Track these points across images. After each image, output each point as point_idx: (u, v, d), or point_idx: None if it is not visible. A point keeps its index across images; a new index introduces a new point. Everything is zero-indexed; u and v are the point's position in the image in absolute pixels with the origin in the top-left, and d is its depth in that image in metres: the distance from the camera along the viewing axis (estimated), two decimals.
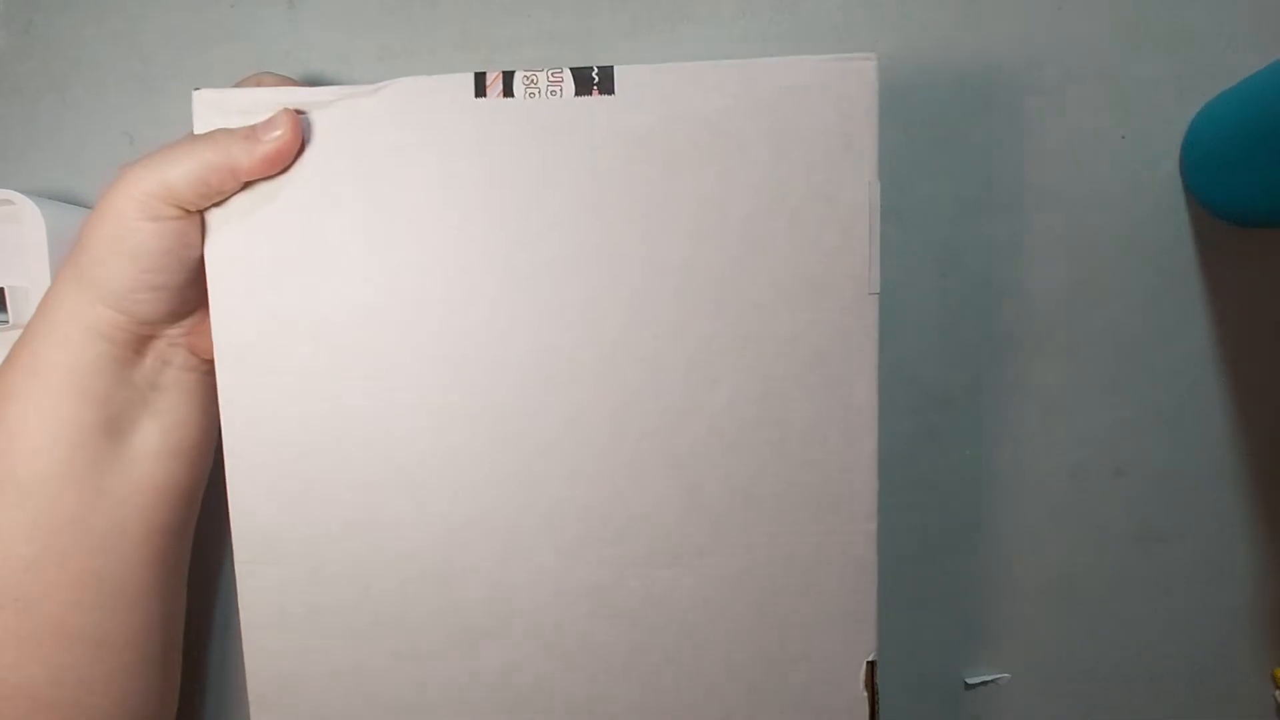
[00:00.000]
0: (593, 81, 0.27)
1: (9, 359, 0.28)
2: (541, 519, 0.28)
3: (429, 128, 0.27)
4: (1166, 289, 0.36)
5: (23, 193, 0.33)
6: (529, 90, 0.27)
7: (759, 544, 0.28)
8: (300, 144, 0.27)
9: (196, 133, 0.27)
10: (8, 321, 0.34)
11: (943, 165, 0.36)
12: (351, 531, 0.28)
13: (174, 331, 0.29)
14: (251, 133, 0.26)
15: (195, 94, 0.27)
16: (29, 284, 0.34)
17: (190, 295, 0.28)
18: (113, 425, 0.28)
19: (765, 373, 0.27)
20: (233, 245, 0.27)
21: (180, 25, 0.36)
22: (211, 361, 0.28)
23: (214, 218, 0.27)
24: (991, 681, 0.38)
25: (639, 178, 0.27)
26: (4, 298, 0.34)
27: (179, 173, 0.26)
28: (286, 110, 0.26)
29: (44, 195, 0.34)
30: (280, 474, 0.28)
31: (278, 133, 0.26)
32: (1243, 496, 0.37)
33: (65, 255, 0.29)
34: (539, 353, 0.28)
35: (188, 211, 0.27)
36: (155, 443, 0.29)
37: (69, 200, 0.37)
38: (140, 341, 0.28)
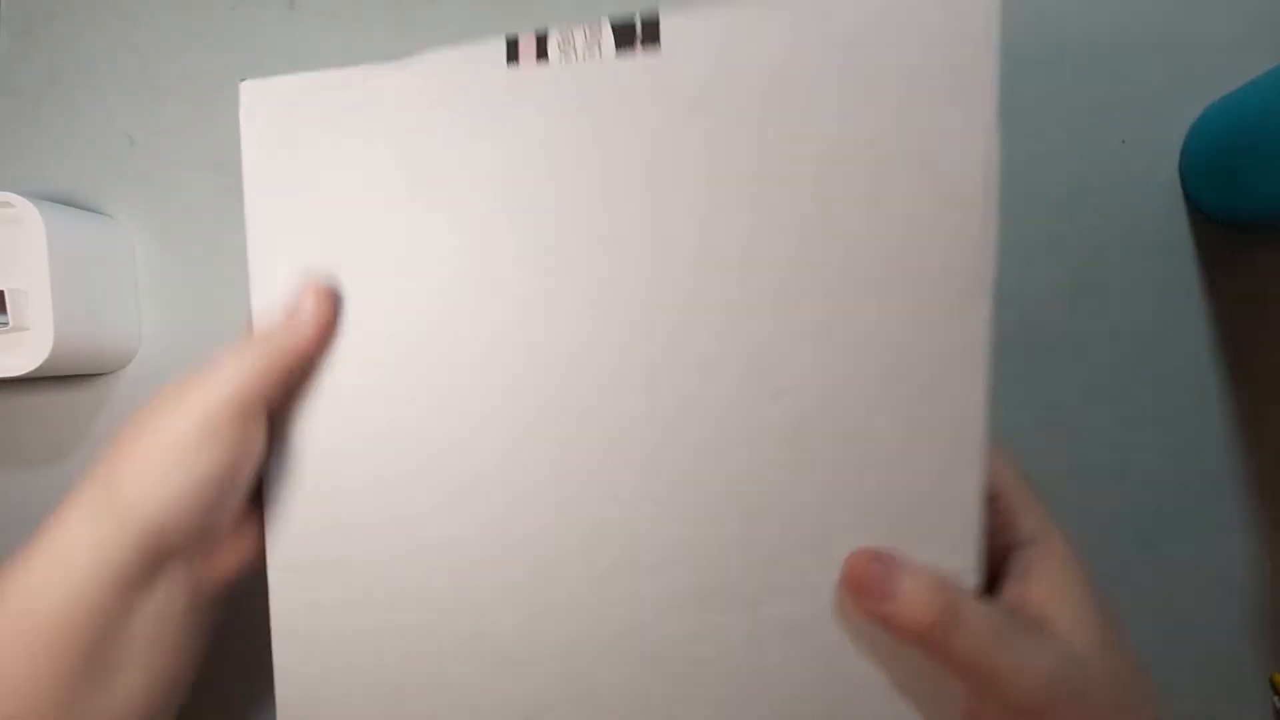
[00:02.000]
0: (635, 35, 0.23)
1: (11, 572, 0.26)
2: (577, 544, 0.25)
3: (460, 103, 0.25)
4: (1166, 292, 0.36)
5: (22, 195, 0.33)
6: (564, 51, 0.23)
7: (826, 590, 0.23)
8: (336, 304, 0.26)
9: (243, 126, 0.26)
10: (7, 324, 0.33)
11: None
12: (383, 553, 0.27)
13: (198, 547, 0.27)
14: (288, 319, 0.26)
15: (242, 85, 0.26)
16: (28, 286, 0.34)
17: (226, 515, 0.27)
18: (97, 673, 0.26)
19: (840, 382, 0.22)
20: (276, 249, 0.27)
21: (180, 27, 0.36)
22: (222, 589, 0.28)
23: (254, 240, 0.26)
24: None
25: (692, 144, 0.23)
26: (3, 300, 0.34)
27: (246, 385, 0.25)
28: (307, 285, 0.26)
29: (44, 197, 0.34)
30: (317, 490, 0.27)
31: (309, 307, 0.26)
32: (1242, 498, 0.37)
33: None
34: (577, 354, 0.24)
35: (253, 420, 0.26)
36: (139, 686, 0.27)
37: (69, 203, 0.37)
38: (155, 567, 0.26)
